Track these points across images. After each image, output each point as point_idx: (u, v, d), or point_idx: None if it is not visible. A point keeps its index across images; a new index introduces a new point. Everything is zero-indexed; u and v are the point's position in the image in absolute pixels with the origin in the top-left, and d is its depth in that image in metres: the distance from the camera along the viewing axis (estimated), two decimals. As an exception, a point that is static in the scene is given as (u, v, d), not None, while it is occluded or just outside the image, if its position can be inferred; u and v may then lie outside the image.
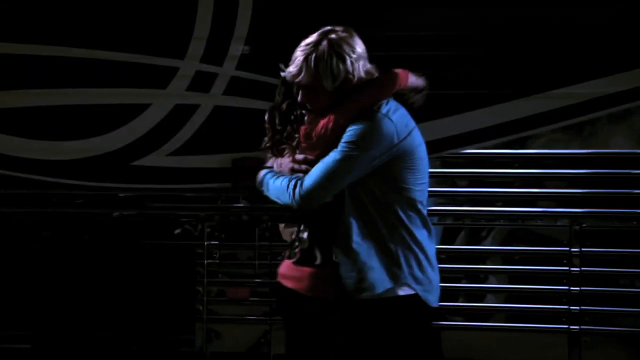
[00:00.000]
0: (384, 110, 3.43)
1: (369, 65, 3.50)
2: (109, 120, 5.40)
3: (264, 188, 3.62)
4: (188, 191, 5.39)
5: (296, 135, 3.55)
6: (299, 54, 3.44)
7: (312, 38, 3.46)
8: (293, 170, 3.54)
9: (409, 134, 3.45)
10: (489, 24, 5.17)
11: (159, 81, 5.35)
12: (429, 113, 5.04)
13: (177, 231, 5.45)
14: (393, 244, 3.46)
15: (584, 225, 5.20)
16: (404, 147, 3.43)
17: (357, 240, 3.47)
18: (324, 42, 3.42)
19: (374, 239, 3.46)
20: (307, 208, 3.48)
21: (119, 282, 5.46)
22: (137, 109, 5.38)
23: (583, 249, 5.21)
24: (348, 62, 3.42)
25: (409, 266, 3.47)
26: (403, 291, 3.47)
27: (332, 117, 3.43)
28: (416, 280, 3.47)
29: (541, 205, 5.25)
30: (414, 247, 3.47)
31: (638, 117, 5.15)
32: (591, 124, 5.18)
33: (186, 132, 5.35)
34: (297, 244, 3.62)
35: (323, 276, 3.52)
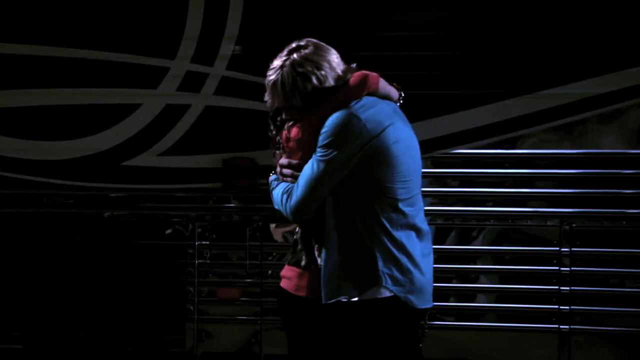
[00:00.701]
0: (353, 108, 3.43)
1: (340, 72, 3.50)
2: (100, 121, 5.39)
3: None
4: (179, 191, 5.38)
5: (280, 140, 3.61)
6: (267, 81, 3.52)
7: (277, 61, 3.49)
8: (282, 175, 3.58)
9: (383, 131, 3.42)
10: (478, 24, 5.19)
11: (150, 81, 5.33)
12: (420, 112, 5.12)
13: (168, 231, 5.44)
14: (371, 246, 3.44)
15: (574, 225, 5.19)
16: (378, 144, 3.41)
17: (336, 243, 3.46)
18: (287, 64, 3.46)
19: (353, 241, 3.46)
20: (301, 220, 3.54)
21: (111, 283, 5.45)
22: (128, 109, 5.37)
23: (573, 249, 5.20)
24: (314, 79, 3.45)
25: (388, 268, 3.44)
26: (381, 294, 3.45)
27: (306, 120, 3.49)
28: (395, 282, 3.44)
29: (531, 205, 5.24)
30: (392, 248, 3.44)
31: (628, 117, 5.14)
32: (582, 124, 5.18)
33: (177, 132, 5.35)
34: (292, 244, 3.68)
35: (308, 276, 3.56)
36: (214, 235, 5.41)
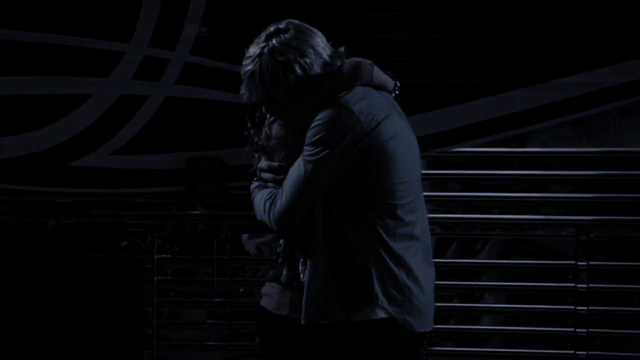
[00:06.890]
0: (343, 100, 3.35)
1: (327, 58, 3.40)
2: (41, 114, 5.27)
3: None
4: (135, 196, 5.30)
5: (259, 141, 3.54)
6: (243, 72, 3.46)
7: (254, 48, 3.41)
8: (263, 180, 3.50)
9: (378, 125, 3.32)
10: (479, 2, 5.14)
11: (101, 68, 5.23)
12: (415, 105, 4.98)
13: (123, 243, 5.35)
14: (365, 260, 3.33)
15: (592, 235, 5.12)
16: (372, 140, 3.31)
17: (324, 255, 3.35)
18: (266, 52, 3.36)
19: (344, 254, 3.34)
20: (288, 231, 3.44)
21: (56, 301, 5.34)
22: (75, 101, 5.25)
23: (591, 263, 5.12)
24: (297, 69, 3.36)
25: (383, 285, 3.32)
26: (375, 314, 3.32)
27: (288, 115, 3.42)
28: (391, 301, 3.32)
29: (544, 212, 5.17)
30: (389, 262, 3.32)
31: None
32: (602, 118, 5.10)
33: (133, 127, 5.24)
34: (274, 257, 3.60)
35: (291, 293, 3.44)
36: (176, 248, 5.32)
